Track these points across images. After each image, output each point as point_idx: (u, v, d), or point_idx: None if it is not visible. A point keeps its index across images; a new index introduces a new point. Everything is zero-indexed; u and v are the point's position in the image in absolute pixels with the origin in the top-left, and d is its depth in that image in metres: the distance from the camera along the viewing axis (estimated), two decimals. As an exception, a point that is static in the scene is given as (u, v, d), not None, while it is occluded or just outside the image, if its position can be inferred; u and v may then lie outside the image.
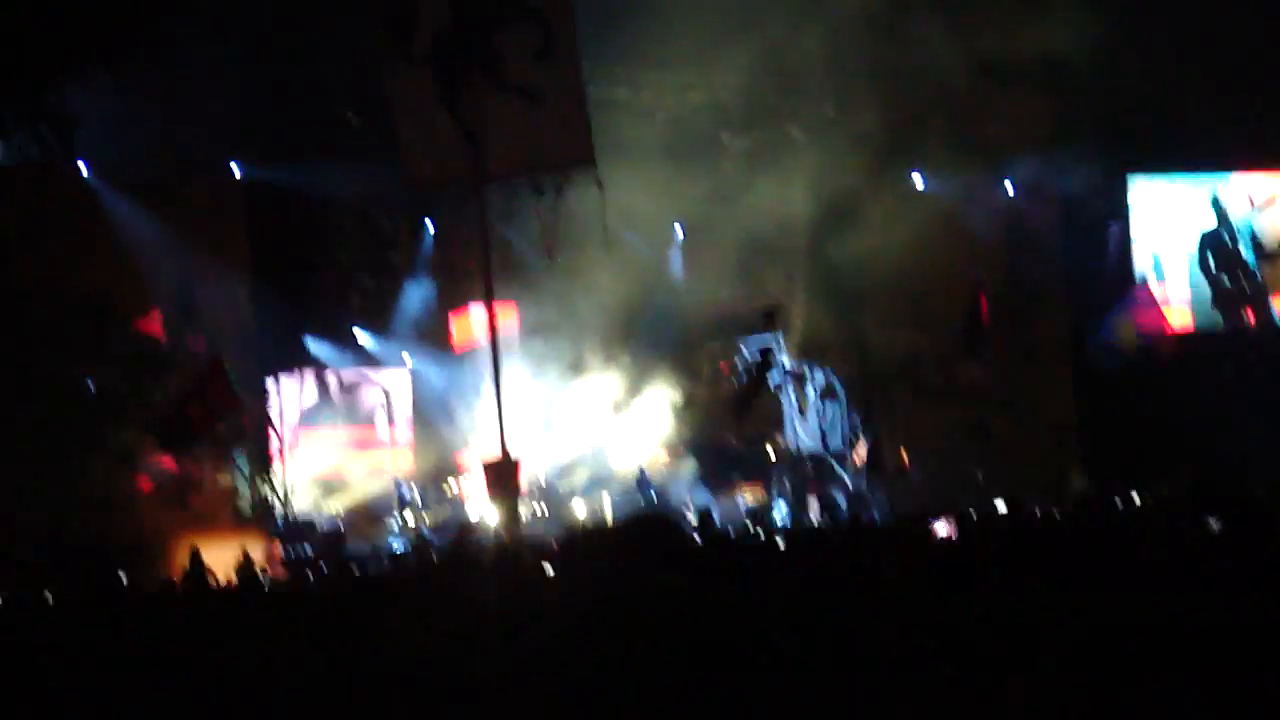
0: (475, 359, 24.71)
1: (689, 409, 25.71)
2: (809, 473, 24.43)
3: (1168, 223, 26.06)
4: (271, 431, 24.00)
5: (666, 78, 23.84)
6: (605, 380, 25.52)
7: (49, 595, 12.74)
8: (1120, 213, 26.00)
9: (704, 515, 19.32)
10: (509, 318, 23.86)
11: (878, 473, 24.01)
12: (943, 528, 11.51)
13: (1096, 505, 13.15)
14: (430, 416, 25.77)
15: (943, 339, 24.77)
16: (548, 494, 24.05)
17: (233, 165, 23.23)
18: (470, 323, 25.59)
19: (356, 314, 25.50)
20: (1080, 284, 25.78)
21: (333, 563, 18.75)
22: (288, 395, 24.89)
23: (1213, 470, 17.09)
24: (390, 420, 25.83)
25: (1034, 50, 21.72)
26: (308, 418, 25.23)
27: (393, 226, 25.82)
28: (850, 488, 24.14)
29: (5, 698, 7.03)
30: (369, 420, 25.81)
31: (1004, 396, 25.39)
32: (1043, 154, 24.64)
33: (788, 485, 24.33)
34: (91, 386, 22.01)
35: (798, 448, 24.82)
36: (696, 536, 13.95)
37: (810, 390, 25.20)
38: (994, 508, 15.30)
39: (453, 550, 13.39)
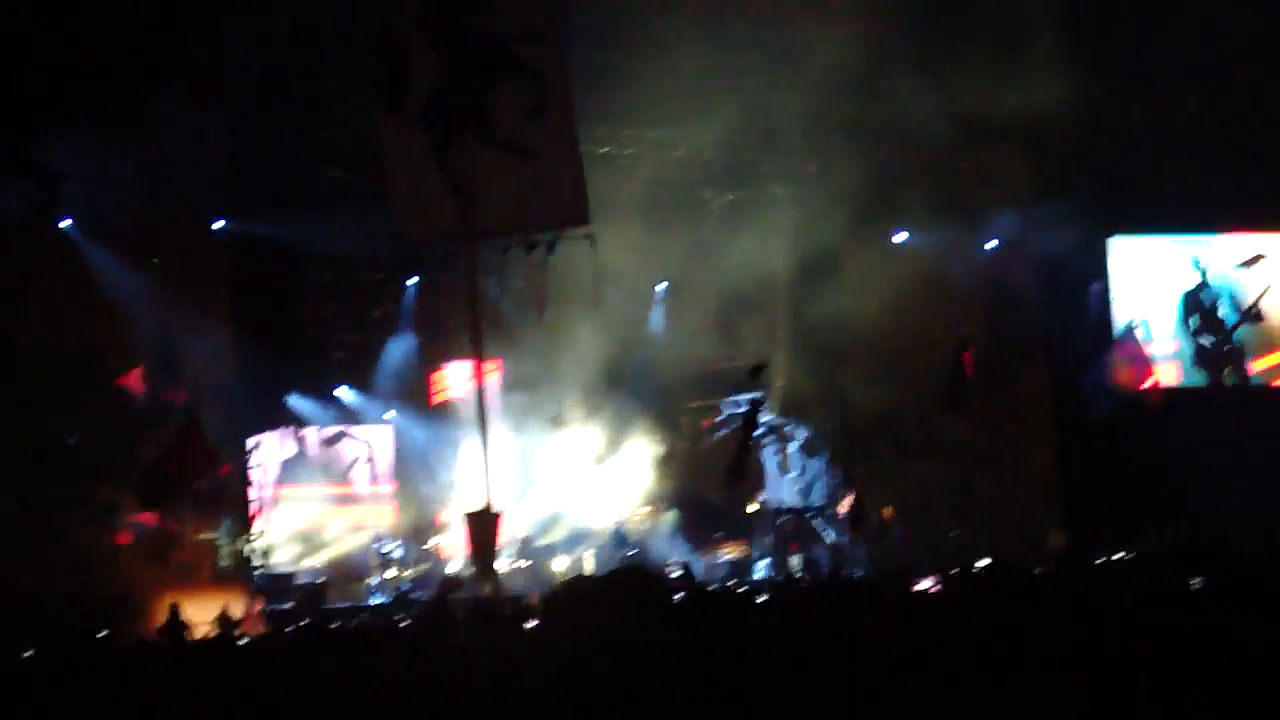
0: (456, 414, 24.72)
1: (670, 464, 25.69)
2: (790, 529, 24.40)
3: (1149, 281, 26.11)
4: (251, 487, 23.93)
5: (648, 135, 23.87)
6: (586, 435, 25.50)
7: (29, 652, 12.62)
8: (1101, 271, 26.04)
9: (685, 570, 19.24)
10: (492, 373, 23.85)
11: (860, 529, 23.96)
12: (926, 584, 11.47)
13: (1076, 562, 13.11)
14: (411, 472, 25.74)
15: (924, 395, 24.77)
16: (528, 548, 23.99)
17: (215, 220, 23.23)
18: (452, 378, 25.58)
19: (338, 369, 25.50)
20: (1062, 340, 25.79)
21: (313, 617, 18.64)
22: (268, 450, 24.87)
23: (1195, 526, 17.05)
24: (372, 476, 25.80)
25: (1015, 108, 21.80)
26: (288, 473, 25.19)
27: (375, 282, 25.84)
28: (832, 544, 24.11)
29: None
30: (349, 476, 25.77)
31: (986, 452, 25.39)
32: (1024, 212, 24.69)
33: (769, 541, 24.31)
34: (72, 442, 21.91)
35: (779, 504, 24.81)
36: (677, 591, 13.89)
37: (792, 446, 25.22)
38: (974, 566, 15.22)
39: (433, 604, 13.31)
